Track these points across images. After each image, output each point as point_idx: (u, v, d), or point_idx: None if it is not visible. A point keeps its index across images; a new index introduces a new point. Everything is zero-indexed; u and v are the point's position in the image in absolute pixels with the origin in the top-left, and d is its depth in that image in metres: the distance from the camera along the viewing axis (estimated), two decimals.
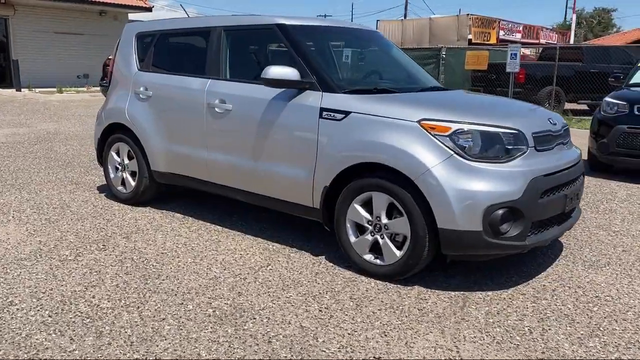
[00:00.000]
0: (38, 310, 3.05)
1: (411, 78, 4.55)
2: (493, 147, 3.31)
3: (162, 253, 3.98)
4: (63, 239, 4.24)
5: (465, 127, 3.31)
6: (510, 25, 31.75)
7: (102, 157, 5.43)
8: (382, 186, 3.46)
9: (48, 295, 3.24)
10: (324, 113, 3.72)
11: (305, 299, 3.28)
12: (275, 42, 4.35)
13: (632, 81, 8.12)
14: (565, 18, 57.78)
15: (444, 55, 17.91)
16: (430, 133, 3.33)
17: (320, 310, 3.14)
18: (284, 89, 3.94)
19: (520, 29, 32.64)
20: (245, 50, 4.61)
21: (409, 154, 3.33)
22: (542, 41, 33.24)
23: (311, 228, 4.55)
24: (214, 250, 4.05)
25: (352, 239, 3.68)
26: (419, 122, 3.38)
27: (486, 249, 3.32)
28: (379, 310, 3.16)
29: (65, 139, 9.37)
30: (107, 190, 5.63)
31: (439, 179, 3.23)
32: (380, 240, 3.54)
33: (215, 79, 4.41)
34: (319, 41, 4.24)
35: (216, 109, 4.31)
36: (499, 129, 3.34)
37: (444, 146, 3.29)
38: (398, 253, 3.47)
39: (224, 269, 3.70)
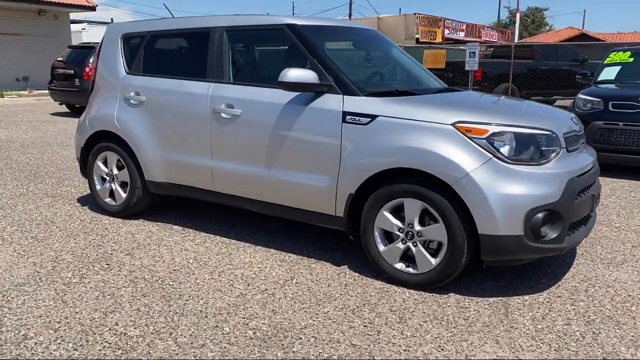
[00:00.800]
0: (60, 343, 2.75)
1: (421, 79, 4.45)
2: (530, 149, 3.25)
3: (175, 270, 3.71)
4: (59, 259, 3.89)
5: (503, 129, 3.23)
6: (454, 24, 32.53)
7: (85, 168, 5.06)
8: (416, 192, 3.34)
9: (65, 325, 2.93)
10: (348, 117, 3.56)
11: (345, 314, 3.11)
12: (284, 43, 4.14)
13: (600, 78, 8.37)
14: (499, 17, 59.82)
15: None
16: (466, 136, 3.23)
17: (365, 326, 2.99)
18: (299, 93, 3.75)
19: (464, 27, 33.50)
20: (250, 52, 4.38)
21: (445, 158, 3.22)
22: (484, 39, 34.27)
23: (322, 236, 4.39)
24: (229, 264, 3.82)
25: (381, 247, 3.53)
26: (453, 124, 3.28)
27: (526, 253, 3.25)
28: (424, 322, 3.04)
29: (22, 147, 8.77)
30: (90, 202, 5.26)
31: (479, 183, 3.14)
32: (413, 248, 3.42)
33: (219, 83, 4.16)
34: (331, 42, 4.07)
35: (222, 115, 4.07)
36: (535, 130, 3.28)
37: (481, 149, 3.19)
38: (433, 261, 3.36)
39: (248, 285, 3.48)
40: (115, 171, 4.83)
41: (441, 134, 3.28)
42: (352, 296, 3.35)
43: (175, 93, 4.37)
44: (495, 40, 36.35)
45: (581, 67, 15.85)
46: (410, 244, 3.43)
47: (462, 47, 15.11)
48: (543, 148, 3.27)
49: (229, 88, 4.11)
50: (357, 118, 3.53)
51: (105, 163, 4.89)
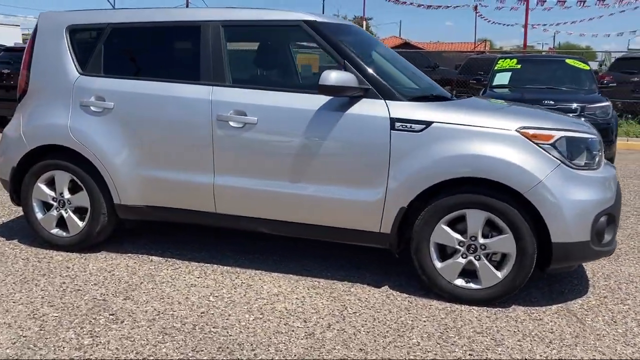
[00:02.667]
0: None
1: (428, 81, 4.21)
2: (587, 154, 3.23)
3: (203, 313, 3.06)
4: (39, 315, 2.99)
5: (567, 134, 3.17)
6: None
7: (18, 193, 4.02)
8: (480, 202, 3.14)
9: None
10: (397, 124, 3.23)
11: (438, 344, 2.81)
12: (300, 41, 3.66)
13: (495, 83, 8.96)
14: None
15: None
16: (532, 142, 3.11)
17: (470, 354, 2.71)
18: (330, 98, 3.34)
19: None
20: (258, 50, 3.80)
21: (516, 165, 3.07)
22: None
23: (328, 252, 3.98)
24: (260, 298, 3.26)
25: (438, 264, 3.28)
26: (518, 130, 3.14)
27: (590, 258, 3.26)
28: (519, 341, 2.85)
29: None
30: (25, 235, 4.22)
31: (552, 190, 3.04)
32: (477, 263, 3.21)
33: (222, 86, 3.54)
34: (355, 41, 3.68)
35: (231, 123, 3.47)
36: (590, 136, 3.28)
37: (550, 155, 3.10)
38: (499, 274, 3.19)
39: (304, 321, 2.99)
40: (66, 194, 3.90)
41: (506, 140, 3.13)
42: (424, 321, 3.04)
43: (159, 98, 3.63)
44: None
45: (434, 72, 17.09)
46: (472, 257, 3.22)
47: None
48: (594, 152, 3.28)
49: (238, 92, 3.52)
50: (409, 125, 3.22)
51: (50, 185, 3.93)
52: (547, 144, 3.12)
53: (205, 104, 3.52)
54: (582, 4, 26.23)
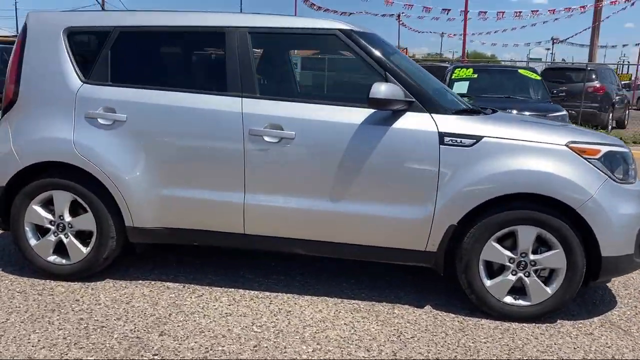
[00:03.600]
0: None
1: (456, 95, 4.11)
2: (625, 168, 3.28)
3: (257, 346, 2.80)
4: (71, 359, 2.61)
5: (611, 149, 3.20)
6: None
7: (6, 216, 3.53)
8: (532, 218, 3.11)
9: None
10: (447, 139, 3.13)
11: None
12: (333, 51, 3.47)
13: (454, 92, 9.13)
14: None
15: None
16: (582, 156, 3.12)
17: None
18: (373, 111, 3.19)
19: None
20: (287, 60, 3.56)
21: (568, 180, 3.06)
22: None
23: (354, 271, 3.82)
24: (309, 326, 3.04)
25: (487, 282, 3.20)
26: (567, 145, 3.13)
27: (631, 270, 3.30)
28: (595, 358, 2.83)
29: None
30: (8, 264, 3.73)
31: (602, 205, 3.06)
32: (527, 279, 3.17)
33: (252, 98, 3.28)
34: (389, 52, 3.52)
35: (265, 138, 3.22)
36: (626, 150, 3.33)
37: (598, 170, 3.12)
38: (549, 290, 3.16)
39: (367, 350, 2.81)
40: (67, 217, 3.47)
41: (557, 155, 3.11)
42: (485, 343, 2.95)
43: (181, 110, 3.31)
44: None
45: None
46: (521, 274, 3.17)
47: None
48: (632, 166, 3.34)
49: (272, 105, 3.27)
50: (459, 139, 3.13)
51: (46, 207, 3.49)
52: (595, 159, 3.13)
53: (236, 117, 3.25)
54: (501, 15, 27.80)
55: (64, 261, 3.52)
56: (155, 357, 2.66)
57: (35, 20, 3.57)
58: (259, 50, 3.81)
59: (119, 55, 3.49)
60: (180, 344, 2.79)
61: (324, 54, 3.50)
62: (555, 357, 2.82)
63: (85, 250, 3.48)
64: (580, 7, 27.23)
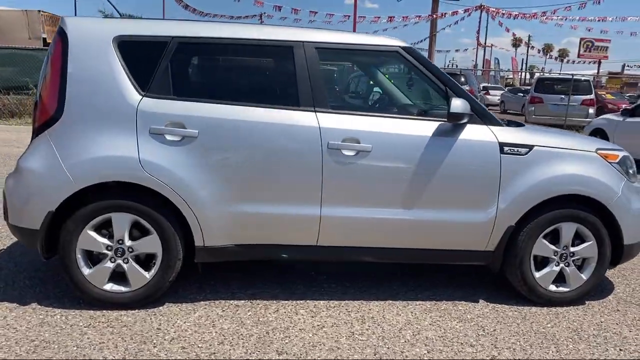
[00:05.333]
0: None
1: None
2: (633, 169, 3.89)
3: (376, 354, 2.91)
4: None
5: (624, 154, 3.80)
6: None
7: (52, 244, 3.18)
8: (574, 216, 3.59)
9: None
10: (506, 148, 3.49)
11: (600, 345, 3.16)
12: (392, 66, 3.63)
13: None
14: None
15: None
16: (607, 161, 3.67)
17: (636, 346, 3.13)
18: (440, 123, 3.45)
19: None
20: (361, 74, 3.61)
21: (601, 181, 3.59)
22: None
23: (385, 272, 4.04)
24: (404, 329, 3.20)
25: (536, 274, 3.63)
26: (596, 151, 3.67)
27: (637, 254, 3.93)
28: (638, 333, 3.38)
29: None
30: (53, 295, 3.35)
31: (625, 201, 3.64)
32: (567, 269, 3.66)
33: (326, 112, 3.34)
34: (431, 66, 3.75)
35: (343, 151, 3.31)
36: (629, 154, 3.96)
37: (618, 172, 3.70)
38: (584, 276, 3.68)
39: (471, 346, 3.07)
40: (127, 241, 3.22)
41: (590, 160, 3.63)
42: (559, 328, 3.36)
43: (256, 125, 3.26)
44: None
45: None
46: (562, 265, 3.65)
47: None
48: (634, 167, 3.96)
49: (347, 119, 3.36)
50: (516, 149, 3.50)
51: (99, 231, 3.20)
52: (616, 163, 3.71)
53: (314, 132, 3.29)
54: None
55: (123, 288, 3.26)
56: None
57: (76, 27, 3.25)
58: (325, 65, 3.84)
59: (180, 68, 3.33)
60: None
61: (382, 68, 3.60)
62: (617, 334, 3.31)
63: (148, 275, 3.26)
64: (417, 16, 29.98)
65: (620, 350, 3.11)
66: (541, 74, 30.39)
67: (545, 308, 3.63)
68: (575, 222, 3.60)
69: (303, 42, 3.38)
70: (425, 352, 2.97)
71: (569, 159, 3.58)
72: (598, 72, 42.81)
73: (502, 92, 29.56)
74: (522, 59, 68.43)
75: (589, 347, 3.12)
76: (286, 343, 2.98)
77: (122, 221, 3.20)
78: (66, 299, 3.36)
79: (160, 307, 3.34)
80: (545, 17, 31.12)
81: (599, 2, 27.54)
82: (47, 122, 3.19)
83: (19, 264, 3.93)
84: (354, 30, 18.70)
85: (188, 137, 3.20)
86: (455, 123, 3.40)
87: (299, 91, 3.34)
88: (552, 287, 3.67)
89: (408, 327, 3.25)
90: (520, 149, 3.51)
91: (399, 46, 3.51)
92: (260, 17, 35.02)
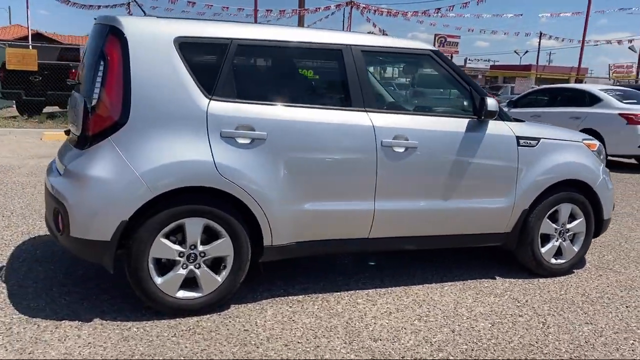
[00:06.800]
0: None
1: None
2: (604, 156, 4.58)
3: (491, 327, 3.22)
4: None
5: (598, 143, 4.49)
6: None
7: (114, 254, 3.05)
8: (571, 198, 4.20)
9: None
10: (521, 141, 3.97)
11: (625, 305, 3.74)
12: (424, 69, 3.90)
13: None
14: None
15: None
16: (590, 149, 4.33)
17: None
18: (469, 119, 3.83)
19: None
20: (397, 76, 3.79)
21: (588, 167, 4.23)
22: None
23: (407, 258, 4.39)
24: (462, 309, 3.55)
25: (542, 250, 4.18)
26: (582, 141, 4.30)
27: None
28: None
29: None
30: (108, 309, 3.19)
31: (604, 183, 4.33)
32: (565, 244, 4.26)
33: (376, 112, 3.55)
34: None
35: (394, 148, 3.56)
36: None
37: (597, 159, 4.37)
38: (575, 248, 4.31)
39: (535, 311, 3.50)
40: (200, 246, 3.18)
41: (580, 150, 4.25)
42: (583, 294, 3.92)
43: (318, 125, 3.38)
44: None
45: None
46: (561, 240, 4.24)
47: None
48: (603, 154, 4.66)
49: (396, 118, 3.60)
50: (528, 141, 4.00)
51: (170, 237, 3.13)
52: (595, 151, 4.38)
53: (369, 131, 3.49)
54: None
55: (195, 294, 3.22)
56: (466, 348, 2.88)
57: (135, 27, 3.11)
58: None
59: (240, 70, 3.33)
60: (441, 342, 3.03)
61: (417, 71, 3.81)
62: (607, 293, 3.95)
63: (219, 278, 3.26)
64: (280, 11, 30.64)
65: (627, 307, 3.74)
66: None
67: (549, 279, 4.18)
68: (571, 203, 4.20)
69: (351, 45, 3.55)
70: (490, 325, 3.34)
71: (567, 149, 4.16)
72: None
73: None
74: None
75: (603, 308, 3.70)
76: (372, 330, 3.18)
77: (195, 226, 3.15)
78: (125, 311, 3.23)
79: (228, 310, 3.34)
80: (409, 15, 33.33)
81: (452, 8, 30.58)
82: (109, 128, 3.04)
83: (39, 279, 3.65)
84: None
85: (258, 139, 3.24)
86: (483, 120, 3.79)
87: (350, 92, 3.51)
88: (553, 260, 4.24)
89: (459, 306, 3.60)
90: (531, 142, 4.01)
91: (431, 50, 3.83)
92: (128, 6, 33.13)
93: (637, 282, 4.23)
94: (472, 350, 3.01)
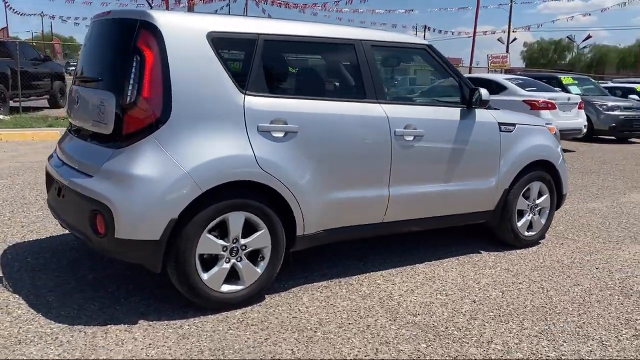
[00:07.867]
0: None
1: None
2: (559, 138, 5.17)
3: (534, 292, 3.55)
4: None
5: (555, 127, 5.05)
6: None
7: (167, 254, 3.02)
8: (540, 176, 4.71)
9: None
10: (502, 127, 4.39)
11: (604, 269, 4.28)
12: (419, 62, 4.16)
13: None
14: None
15: None
16: (551, 132, 4.87)
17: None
18: (462, 108, 4.18)
19: None
20: (397, 69, 3.99)
21: (552, 148, 4.78)
22: None
23: (401, 241, 4.69)
24: (471, 282, 3.89)
25: (519, 223, 4.66)
26: (545, 125, 4.83)
27: None
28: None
29: None
30: (144, 309, 3.14)
31: (563, 162, 4.91)
32: (535, 218, 4.78)
33: (387, 103, 3.76)
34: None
35: (405, 137, 3.81)
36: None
37: (557, 141, 4.94)
38: (543, 221, 4.85)
39: (540, 279, 3.92)
40: (242, 239, 3.22)
41: (545, 133, 4.78)
42: (565, 261, 4.42)
43: (342, 118, 3.53)
44: None
45: (42, 65, 15.70)
46: (532, 215, 4.75)
47: None
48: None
49: (404, 108, 3.85)
50: (508, 127, 4.43)
51: (218, 232, 3.15)
52: (554, 133, 4.93)
53: (384, 121, 3.71)
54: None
55: (237, 287, 3.26)
56: (494, 314, 3.15)
57: (169, 22, 3.06)
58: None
59: (269, 65, 3.38)
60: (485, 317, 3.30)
61: (413, 64, 3.97)
62: (576, 259, 4.51)
63: (259, 270, 3.32)
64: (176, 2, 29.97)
65: (597, 269, 4.30)
66: None
67: (524, 250, 4.67)
68: (540, 181, 4.71)
69: (362, 40, 3.73)
70: (500, 294, 3.71)
71: (535, 133, 4.66)
72: None
73: None
74: None
75: (580, 270, 4.23)
76: (406, 307, 3.41)
77: (238, 220, 3.19)
78: (166, 310, 3.19)
79: (266, 301, 3.41)
80: (305, 7, 33.89)
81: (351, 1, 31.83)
82: (150, 126, 2.98)
83: (52, 287, 3.46)
84: None
85: (290, 132, 3.33)
86: (472, 108, 4.15)
87: (364, 85, 3.70)
88: (526, 233, 4.74)
89: (467, 279, 3.95)
90: (509, 127, 4.45)
91: (427, 44, 4.11)
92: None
93: (594, 247, 4.85)
94: (501, 315, 3.36)
